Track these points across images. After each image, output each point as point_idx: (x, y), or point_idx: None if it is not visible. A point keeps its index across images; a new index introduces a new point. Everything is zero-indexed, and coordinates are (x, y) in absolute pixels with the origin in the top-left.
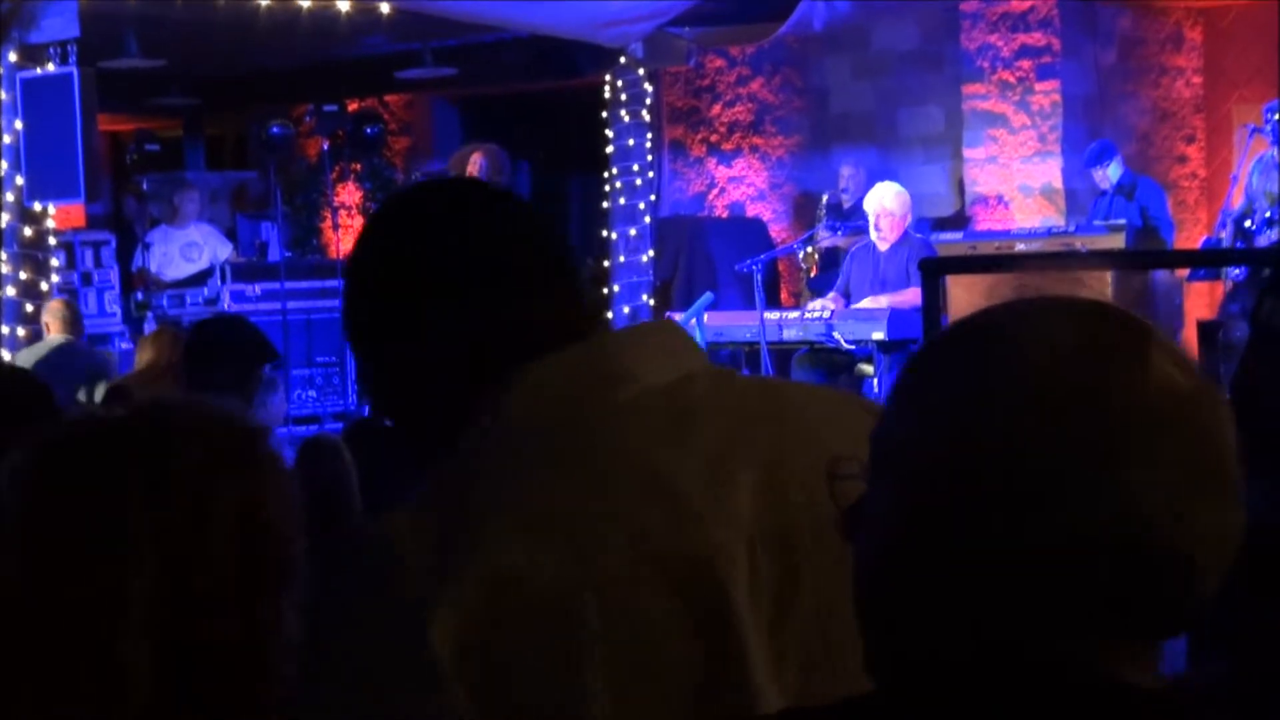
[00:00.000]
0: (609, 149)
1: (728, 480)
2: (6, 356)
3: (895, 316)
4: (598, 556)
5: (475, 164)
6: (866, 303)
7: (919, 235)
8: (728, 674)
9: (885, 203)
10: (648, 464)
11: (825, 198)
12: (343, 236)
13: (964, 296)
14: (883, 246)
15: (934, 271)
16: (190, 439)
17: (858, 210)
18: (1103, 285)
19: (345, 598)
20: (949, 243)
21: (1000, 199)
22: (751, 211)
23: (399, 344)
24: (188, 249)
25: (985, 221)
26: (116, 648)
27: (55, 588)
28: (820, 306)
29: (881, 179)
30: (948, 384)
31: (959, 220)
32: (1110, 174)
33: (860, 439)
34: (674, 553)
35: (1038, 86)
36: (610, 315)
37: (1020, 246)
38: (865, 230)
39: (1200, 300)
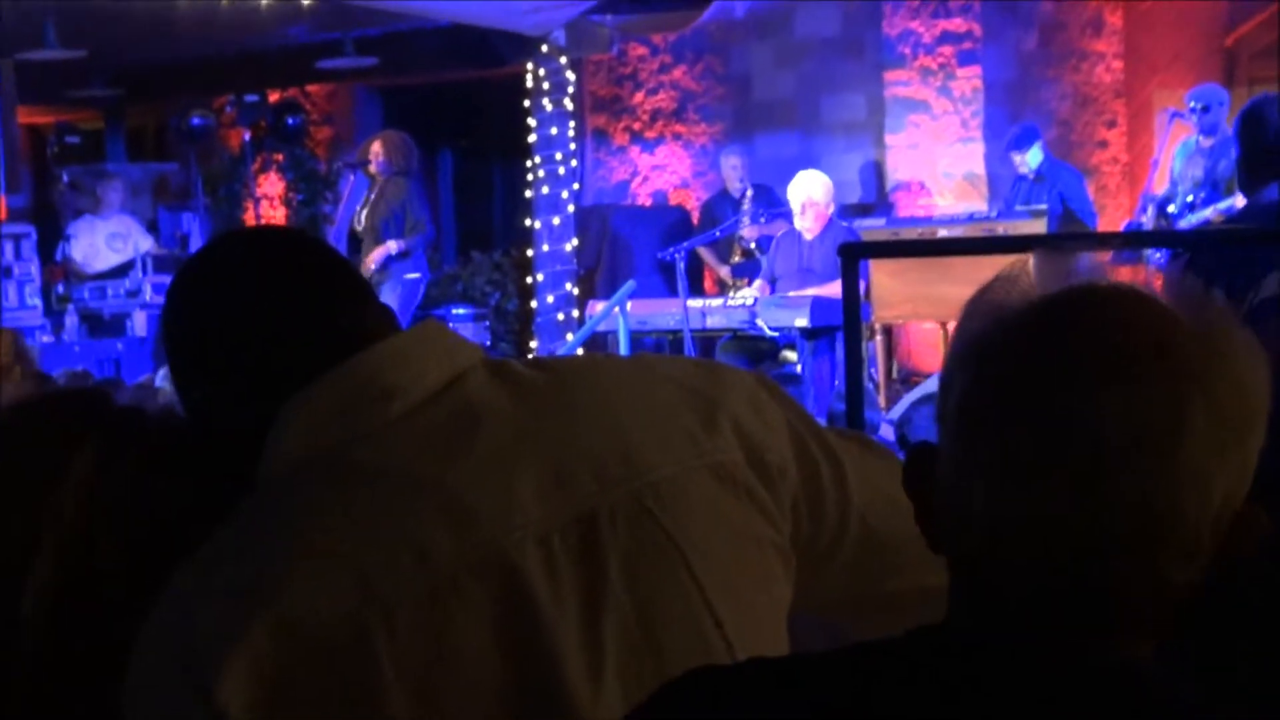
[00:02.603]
0: (531, 137)
1: (510, 480)
2: None
3: (818, 304)
4: (382, 583)
5: (374, 154)
6: (793, 293)
7: (844, 223)
8: (539, 676)
9: (811, 192)
10: (426, 477)
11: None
12: None
13: (886, 282)
14: (808, 236)
15: (855, 256)
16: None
17: (753, 197)
18: (1025, 269)
19: (135, 669)
20: (871, 229)
21: (922, 185)
22: (675, 199)
23: (183, 386)
24: (112, 239)
25: (908, 208)
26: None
27: None
28: (744, 295)
29: (803, 166)
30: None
31: (881, 207)
32: (1030, 159)
33: (659, 409)
34: (462, 564)
35: (959, 72)
36: (534, 303)
37: (942, 232)
38: (785, 216)
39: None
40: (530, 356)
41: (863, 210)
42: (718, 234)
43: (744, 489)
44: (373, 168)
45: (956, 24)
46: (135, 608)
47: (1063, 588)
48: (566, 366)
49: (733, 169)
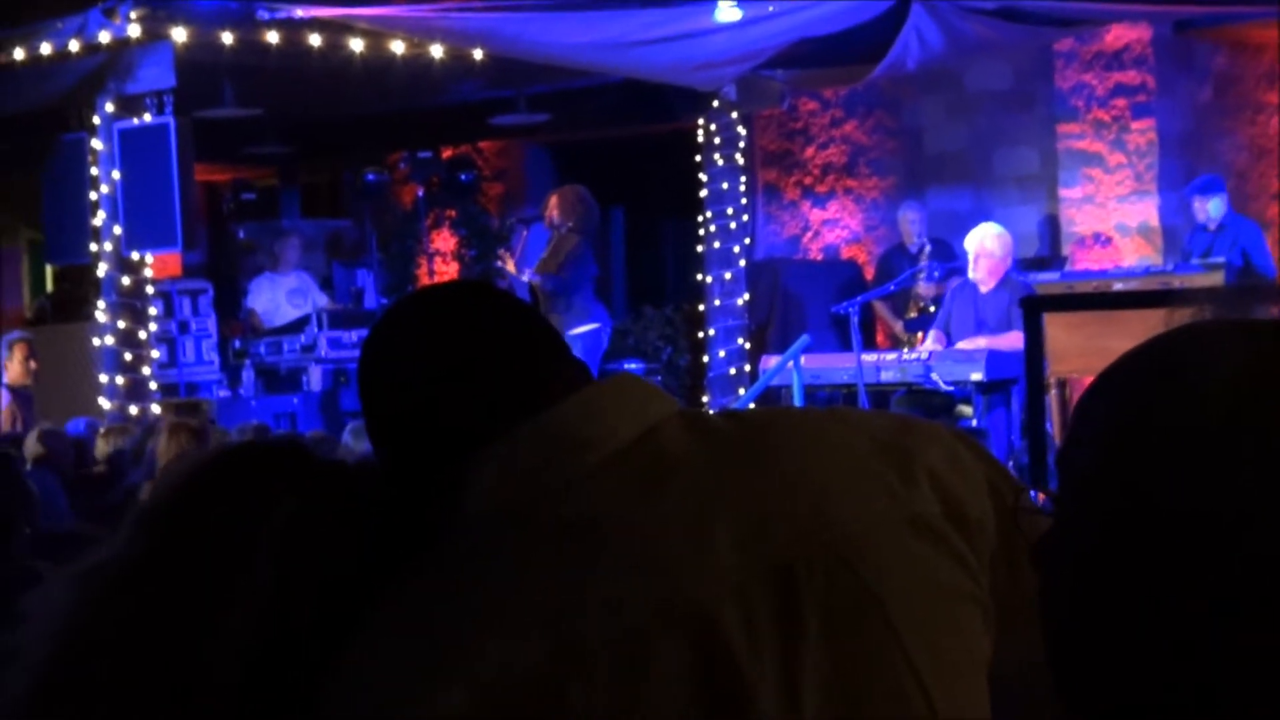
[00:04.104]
0: (703, 192)
1: (705, 531)
2: (106, 405)
3: (993, 357)
4: (575, 637)
5: (550, 208)
6: (965, 344)
7: (1021, 278)
8: None
9: (986, 244)
10: (619, 529)
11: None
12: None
13: (1061, 336)
14: (983, 288)
15: (1035, 309)
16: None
17: (928, 251)
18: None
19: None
20: (1045, 282)
21: (1097, 238)
22: (846, 254)
23: (378, 439)
24: (293, 295)
25: (1083, 261)
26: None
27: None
28: (918, 348)
29: (977, 219)
30: (1122, 413)
31: (1056, 260)
32: (1211, 209)
33: (855, 461)
34: (657, 617)
35: (1133, 125)
36: (706, 358)
37: (1118, 286)
38: (961, 271)
39: None
40: (722, 408)
41: (1038, 264)
42: (893, 287)
43: (942, 542)
44: (548, 223)
45: (1130, 76)
46: (328, 665)
47: None
48: (760, 418)
49: (910, 223)
